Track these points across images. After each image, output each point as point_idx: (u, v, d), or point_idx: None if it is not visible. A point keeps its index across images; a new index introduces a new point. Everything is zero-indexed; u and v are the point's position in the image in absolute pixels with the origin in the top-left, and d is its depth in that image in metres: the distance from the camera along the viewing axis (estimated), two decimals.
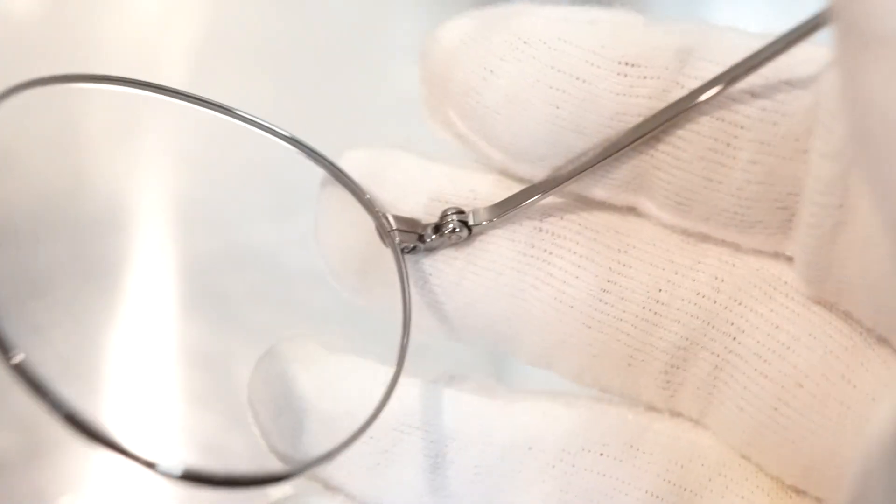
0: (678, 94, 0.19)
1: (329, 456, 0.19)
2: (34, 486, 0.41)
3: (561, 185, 0.20)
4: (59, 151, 0.46)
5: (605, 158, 0.20)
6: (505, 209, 0.21)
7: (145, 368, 0.43)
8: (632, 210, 0.21)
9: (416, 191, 0.21)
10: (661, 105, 0.19)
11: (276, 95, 0.49)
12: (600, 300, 0.21)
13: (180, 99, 0.20)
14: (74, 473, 0.41)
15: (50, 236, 0.45)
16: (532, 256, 0.21)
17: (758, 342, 0.20)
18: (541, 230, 0.21)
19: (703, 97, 0.19)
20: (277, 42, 0.50)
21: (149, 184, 0.47)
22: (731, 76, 0.18)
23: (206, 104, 0.20)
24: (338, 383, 0.21)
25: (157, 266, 0.45)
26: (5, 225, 0.45)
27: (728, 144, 0.19)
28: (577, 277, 0.21)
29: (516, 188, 0.21)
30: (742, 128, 0.19)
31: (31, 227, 0.45)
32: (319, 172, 0.22)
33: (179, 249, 0.46)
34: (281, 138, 0.21)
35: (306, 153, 0.21)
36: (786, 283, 0.20)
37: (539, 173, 0.21)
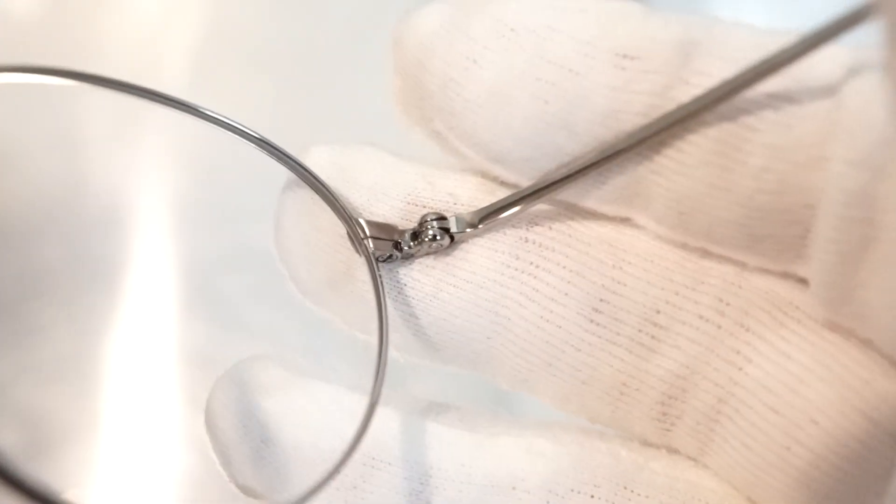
0: (681, 91, 0.17)
1: (303, 500, 0.17)
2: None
3: (553, 191, 0.18)
4: (59, 151, 0.46)
5: (602, 162, 0.17)
6: (490, 216, 0.19)
7: (145, 369, 0.43)
8: (627, 221, 0.19)
9: (390, 193, 0.19)
10: (661, 102, 0.17)
11: (276, 95, 0.49)
12: (591, 320, 0.19)
13: (133, 94, 0.18)
14: (78, 469, 0.42)
15: (50, 236, 0.45)
16: (516, 269, 0.19)
17: (767, 373, 0.18)
18: (526, 240, 0.19)
19: (715, 98, 0.16)
20: (277, 42, 0.50)
21: (149, 184, 0.46)
22: (749, 76, 0.16)
23: (164, 100, 0.18)
24: (304, 411, 0.19)
25: (157, 266, 0.45)
26: (5, 225, 0.45)
27: (737, 148, 0.17)
28: (565, 294, 0.19)
29: (500, 192, 0.19)
30: (753, 130, 0.17)
31: (32, 226, 0.45)
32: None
33: (179, 249, 0.45)
34: (244, 137, 0.19)
35: (270, 152, 0.19)
36: (797, 307, 0.18)
37: (522, 177, 0.19)
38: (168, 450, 0.42)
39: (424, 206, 0.19)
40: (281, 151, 0.19)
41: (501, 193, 0.19)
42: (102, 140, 0.47)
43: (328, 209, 0.19)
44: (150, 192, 0.46)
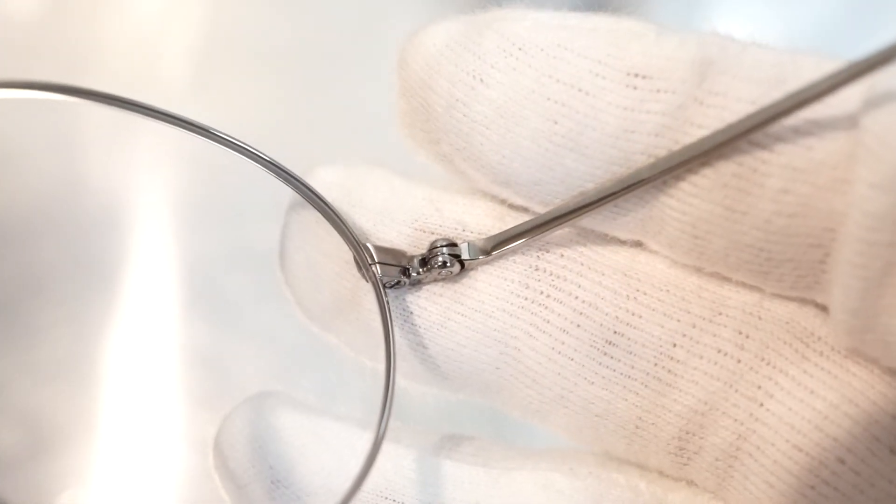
0: (696, 110, 0.16)
1: None
2: (37, 482, 0.41)
3: (568, 220, 0.17)
4: (58, 151, 0.46)
5: (621, 193, 0.17)
6: (503, 244, 0.18)
7: (145, 368, 0.43)
8: (639, 245, 0.18)
9: (397, 218, 0.19)
10: (675, 123, 0.17)
11: (276, 96, 0.49)
12: (605, 353, 0.18)
13: (157, 119, 0.17)
14: (77, 469, 0.41)
15: (49, 236, 0.44)
16: (526, 298, 0.18)
17: (790, 409, 0.17)
18: (537, 269, 0.18)
19: (740, 132, 0.16)
20: (277, 42, 0.50)
21: (149, 184, 0.46)
22: (775, 110, 0.16)
23: (177, 122, 0.17)
24: (314, 453, 0.18)
25: (157, 266, 0.45)
26: (5, 225, 0.45)
27: (755, 170, 0.16)
28: (577, 326, 0.18)
29: (509, 218, 0.18)
30: (772, 151, 0.16)
31: (31, 226, 0.45)
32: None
33: (179, 249, 0.45)
34: (253, 158, 0.18)
35: (278, 174, 0.18)
36: (819, 338, 0.17)
37: (531, 200, 0.18)
38: (167, 450, 0.42)
39: (432, 233, 0.19)
40: (288, 173, 0.18)
41: (511, 219, 0.18)
42: (101, 140, 0.47)
43: (334, 233, 0.18)
44: (149, 191, 0.46)
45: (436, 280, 0.18)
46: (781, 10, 0.41)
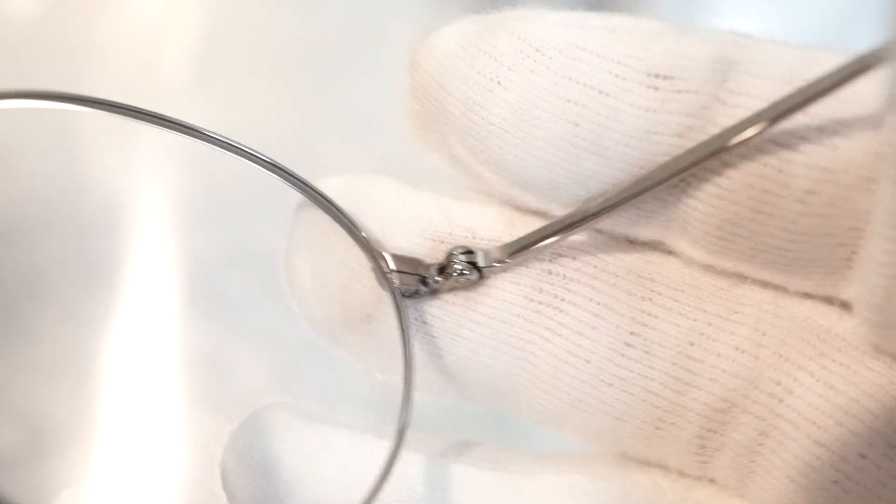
0: (718, 111, 0.16)
1: None
2: (37, 481, 0.41)
3: (591, 223, 0.17)
4: (58, 151, 0.46)
5: (640, 193, 0.16)
6: (522, 249, 0.18)
7: (145, 368, 0.43)
8: (656, 247, 0.18)
9: (406, 228, 0.18)
10: (697, 123, 0.16)
11: (276, 95, 0.48)
12: (622, 355, 0.18)
13: (162, 125, 0.17)
14: (77, 468, 0.41)
15: (49, 236, 0.44)
16: (541, 303, 0.18)
17: (810, 405, 0.17)
18: (550, 273, 0.18)
19: (763, 123, 0.15)
20: (278, 42, 0.49)
21: (149, 184, 0.46)
22: (795, 101, 0.15)
23: (181, 129, 0.17)
24: (325, 465, 0.18)
25: (157, 266, 0.45)
26: (5, 225, 0.45)
27: (780, 171, 0.16)
28: (594, 328, 0.18)
29: (519, 223, 0.18)
30: (797, 151, 0.16)
31: (30, 226, 0.45)
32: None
33: (179, 248, 0.45)
34: (270, 169, 0.17)
35: (293, 183, 0.17)
36: (837, 335, 0.17)
37: (549, 203, 0.17)
38: (167, 449, 0.42)
39: (442, 241, 0.18)
40: (304, 182, 0.18)
41: (521, 224, 0.18)
42: (101, 140, 0.46)
43: (343, 243, 0.18)
44: (149, 192, 0.46)
45: (452, 288, 0.18)
46: (782, 9, 0.41)
